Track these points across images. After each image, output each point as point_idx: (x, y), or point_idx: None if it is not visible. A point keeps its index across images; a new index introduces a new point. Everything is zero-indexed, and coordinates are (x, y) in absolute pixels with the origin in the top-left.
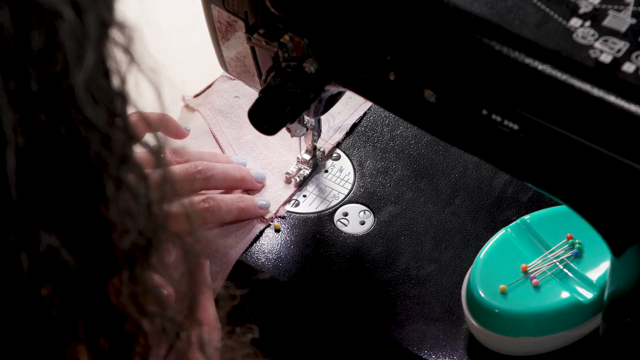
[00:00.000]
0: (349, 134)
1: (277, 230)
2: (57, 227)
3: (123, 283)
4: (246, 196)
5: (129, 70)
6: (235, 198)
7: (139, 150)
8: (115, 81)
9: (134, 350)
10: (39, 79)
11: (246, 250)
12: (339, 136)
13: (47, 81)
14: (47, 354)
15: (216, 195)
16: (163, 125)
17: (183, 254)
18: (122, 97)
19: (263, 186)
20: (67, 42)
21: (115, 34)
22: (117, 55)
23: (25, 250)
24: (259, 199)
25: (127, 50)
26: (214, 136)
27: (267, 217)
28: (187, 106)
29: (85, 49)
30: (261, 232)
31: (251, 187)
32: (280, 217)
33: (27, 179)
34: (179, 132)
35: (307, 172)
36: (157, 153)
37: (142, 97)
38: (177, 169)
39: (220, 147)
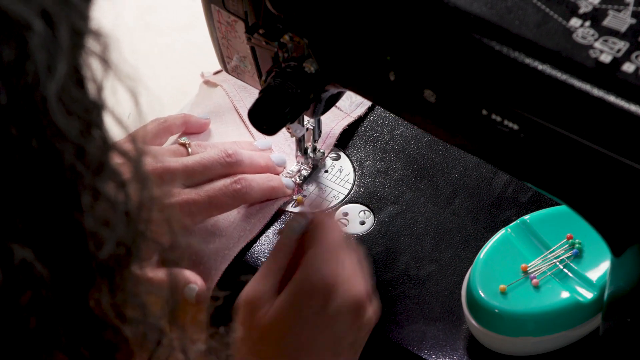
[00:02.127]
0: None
1: (301, 203)
2: (32, 239)
3: (102, 292)
4: (274, 175)
5: (105, 78)
6: (265, 177)
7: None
8: (91, 91)
9: (115, 358)
10: (9, 92)
11: (246, 250)
12: (360, 110)
13: (17, 93)
14: None
15: (247, 175)
16: (185, 126)
17: (162, 261)
18: (97, 107)
19: (283, 170)
20: (38, 54)
21: (90, 42)
22: (93, 64)
23: None
24: (284, 179)
25: (103, 59)
26: (237, 112)
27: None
28: (206, 82)
29: (57, 60)
30: (261, 232)
31: (273, 172)
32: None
33: None
34: (201, 126)
35: (307, 172)
36: (135, 161)
37: (120, 104)
38: (207, 153)
39: (244, 123)
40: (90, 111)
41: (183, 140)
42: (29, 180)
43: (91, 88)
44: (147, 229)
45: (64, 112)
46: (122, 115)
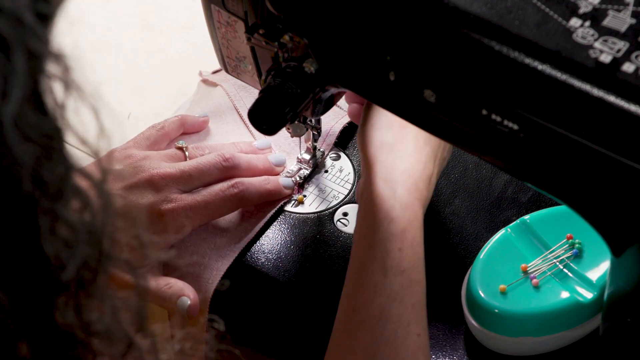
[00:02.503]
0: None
1: (301, 203)
2: None
3: (68, 309)
4: (271, 178)
5: (67, 100)
6: (263, 180)
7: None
8: (51, 115)
9: None
10: None
11: (246, 250)
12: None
13: None
14: None
15: (244, 179)
16: (183, 128)
17: (130, 274)
18: (58, 131)
19: (283, 169)
20: None
21: (50, 65)
22: (54, 87)
23: None
24: (282, 179)
25: (64, 81)
26: (238, 112)
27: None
28: (205, 81)
29: (12, 85)
30: (261, 232)
31: (272, 174)
32: (301, 189)
33: None
34: (199, 125)
35: (307, 172)
36: (99, 184)
37: (83, 124)
38: (204, 158)
39: (244, 122)
40: (50, 136)
41: (180, 143)
42: None
43: (51, 112)
44: (112, 248)
45: (21, 138)
46: (87, 136)
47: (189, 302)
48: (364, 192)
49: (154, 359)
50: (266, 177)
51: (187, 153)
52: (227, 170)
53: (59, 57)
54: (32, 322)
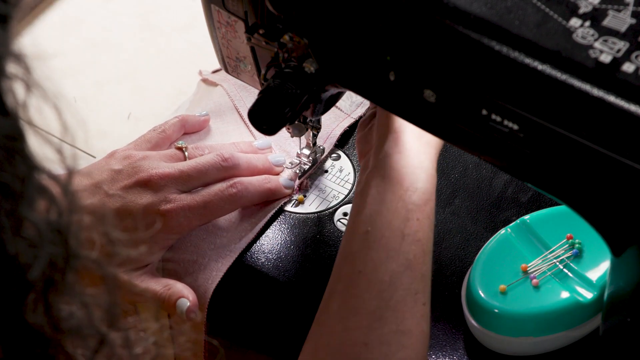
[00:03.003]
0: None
1: (301, 203)
2: None
3: (37, 308)
4: (272, 177)
5: (29, 100)
6: (262, 180)
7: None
8: (11, 115)
9: None
10: None
11: (246, 250)
12: (361, 111)
13: None
14: None
15: (243, 178)
16: (184, 129)
17: (100, 271)
18: (18, 132)
19: (283, 169)
20: None
21: (10, 66)
22: (15, 88)
23: None
24: (283, 179)
25: (26, 81)
26: (238, 112)
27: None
28: (205, 81)
29: None
30: (261, 232)
31: (272, 174)
32: (301, 189)
33: None
34: (200, 124)
35: (307, 166)
36: (64, 184)
37: (46, 122)
38: (203, 158)
39: (244, 122)
40: (11, 137)
41: (180, 143)
42: None
43: (12, 113)
44: (78, 246)
45: None
46: (50, 135)
47: (188, 303)
48: (384, 158)
49: (128, 353)
50: (266, 176)
51: (186, 153)
52: (226, 170)
53: (19, 57)
54: (2, 322)
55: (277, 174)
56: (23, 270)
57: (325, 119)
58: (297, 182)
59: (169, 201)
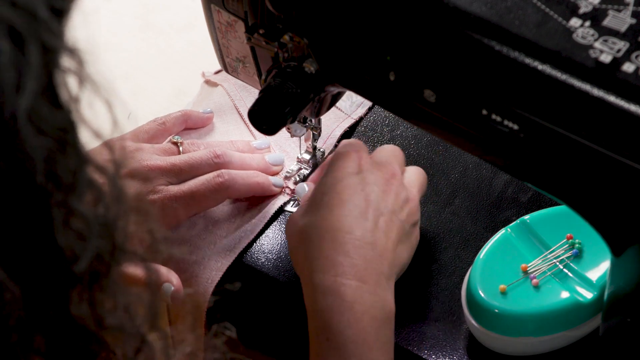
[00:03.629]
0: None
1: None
2: (3, 257)
3: (82, 302)
4: (260, 172)
5: (81, 94)
6: (251, 172)
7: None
8: (65, 109)
9: None
10: None
11: (246, 250)
12: (361, 111)
13: None
14: None
15: (231, 170)
16: (185, 124)
17: (144, 272)
18: (71, 125)
19: (282, 169)
20: (5, 73)
21: (64, 59)
22: (68, 81)
23: None
24: (273, 177)
25: (79, 75)
26: (238, 111)
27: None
28: (207, 81)
29: (26, 79)
30: (261, 232)
31: (268, 173)
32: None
33: None
34: (203, 121)
35: (307, 171)
36: (112, 178)
37: (97, 117)
38: (195, 153)
39: (244, 122)
40: (64, 129)
41: (175, 138)
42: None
43: (65, 106)
44: (125, 241)
45: (35, 131)
46: (100, 129)
47: (172, 287)
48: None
49: (168, 354)
50: (255, 171)
51: (181, 148)
52: (218, 166)
53: (73, 51)
54: (47, 314)
55: (275, 174)
56: (70, 263)
57: (326, 119)
58: (292, 185)
59: (156, 192)
